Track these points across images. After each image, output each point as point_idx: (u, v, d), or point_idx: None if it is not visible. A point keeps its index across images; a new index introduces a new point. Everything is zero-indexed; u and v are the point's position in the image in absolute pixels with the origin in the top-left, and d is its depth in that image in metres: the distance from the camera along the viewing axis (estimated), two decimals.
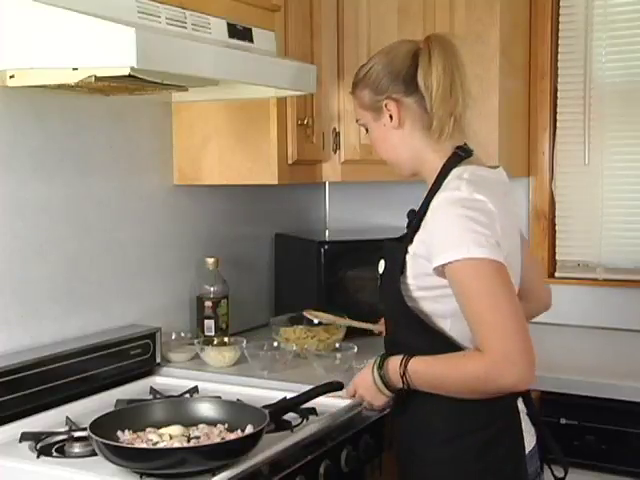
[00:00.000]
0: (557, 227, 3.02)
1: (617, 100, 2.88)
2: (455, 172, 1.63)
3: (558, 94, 2.97)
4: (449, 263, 1.52)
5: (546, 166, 2.99)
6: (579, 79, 2.92)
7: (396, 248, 1.67)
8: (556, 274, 3.01)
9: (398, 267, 1.64)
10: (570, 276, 2.97)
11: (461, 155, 1.67)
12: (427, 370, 1.61)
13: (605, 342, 2.76)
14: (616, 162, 2.90)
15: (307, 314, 2.37)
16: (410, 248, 1.63)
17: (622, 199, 2.90)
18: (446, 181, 1.62)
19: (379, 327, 2.06)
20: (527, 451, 1.66)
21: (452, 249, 1.51)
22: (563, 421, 2.27)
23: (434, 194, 1.62)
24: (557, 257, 3.03)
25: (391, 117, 1.69)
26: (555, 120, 2.98)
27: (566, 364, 2.43)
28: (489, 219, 1.54)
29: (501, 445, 1.62)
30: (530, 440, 1.68)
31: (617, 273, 2.89)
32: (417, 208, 1.67)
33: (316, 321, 2.40)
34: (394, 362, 1.63)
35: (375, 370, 1.67)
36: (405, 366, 1.60)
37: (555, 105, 2.97)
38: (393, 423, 1.81)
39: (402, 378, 1.61)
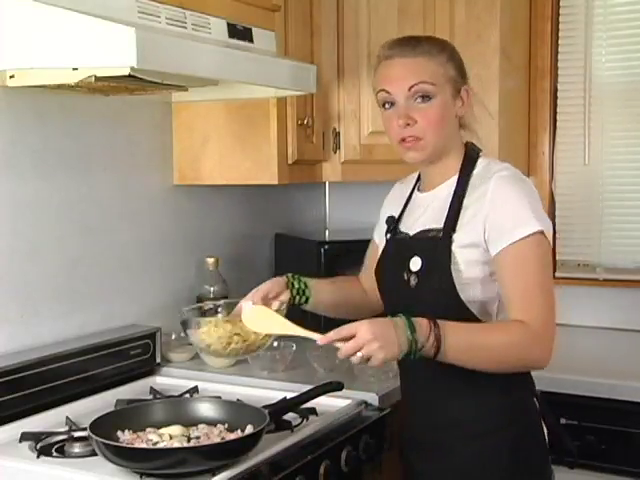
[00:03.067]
0: (557, 227, 3.01)
1: (617, 100, 2.88)
2: (483, 160, 1.73)
3: (558, 94, 2.97)
4: (524, 238, 1.57)
5: (546, 166, 2.99)
6: (579, 79, 2.92)
7: (435, 240, 1.67)
8: (556, 274, 3.01)
9: (446, 259, 1.63)
10: (570, 276, 2.97)
11: (476, 148, 1.76)
12: (466, 334, 1.55)
13: (605, 342, 2.76)
14: (616, 162, 2.90)
15: (249, 321, 1.83)
16: (456, 237, 1.64)
17: (622, 199, 2.90)
18: (480, 167, 1.70)
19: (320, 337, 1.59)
20: None
21: (535, 221, 1.58)
22: (563, 421, 2.27)
23: (467, 178, 1.69)
24: (557, 257, 3.02)
25: (461, 102, 1.72)
26: (555, 120, 2.98)
27: (566, 364, 2.43)
28: (538, 199, 1.66)
29: (528, 442, 1.66)
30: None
31: (617, 273, 2.89)
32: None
33: (263, 332, 1.82)
34: (423, 323, 1.51)
35: (403, 324, 1.50)
36: (439, 328, 1.51)
37: (555, 105, 2.98)
38: (418, 420, 1.78)
39: (436, 340, 1.49)
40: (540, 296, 1.56)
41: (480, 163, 1.71)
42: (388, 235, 1.84)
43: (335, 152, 2.67)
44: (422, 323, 1.51)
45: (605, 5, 2.87)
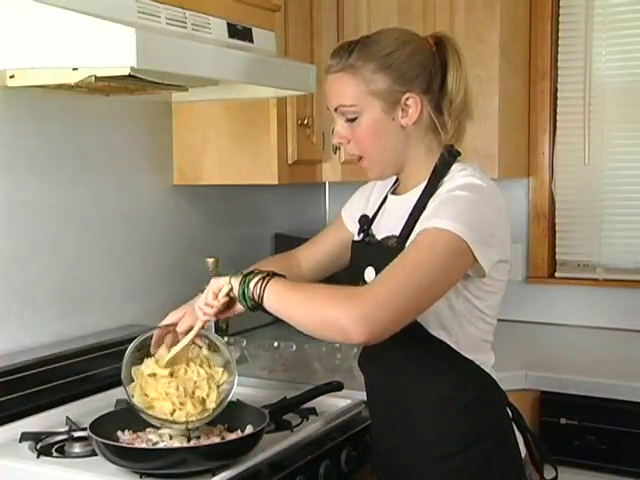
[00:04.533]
0: (557, 227, 3.01)
1: (617, 100, 2.88)
2: (457, 166, 1.57)
3: (558, 94, 2.97)
4: (428, 228, 1.42)
5: (546, 166, 2.99)
6: (579, 79, 2.92)
7: (390, 250, 1.52)
8: (556, 274, 3.01)
9: None
10: (570, 276, 2.97)
11: (453, 153, 1.60)
12: (293, 283, 1.48)
13: (605, 342, 2.76)
14: (616, 162, 2.90)
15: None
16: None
17: (622, 199, 2.90)
18: (449, 176, 1.55)
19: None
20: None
21: (450, 220, 1.41)
22: (563, 421, 2.27)
23: (432, 191, 1.54)
24: (557, 257, 3.03)
25: (404, 112, 1.54)
26: (555, 120, 2.98)
27: (566, 364, 2.43)
28: (498, 212, 1.50)
29: (502, 456, 1.59)
30: (522, 447, 1.65)
31: (617, 273, 2.89)
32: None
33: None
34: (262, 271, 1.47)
35: (238, 278, 1.47)
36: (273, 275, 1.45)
37: (555, 105, 2.98)
38: (371, 437, 1.73)
39: (262, 280, 1.43)
40: (400, 274, 1.38)
41: (453, 169, 1.56)
42: (361, 235, 1.71)
43: (335, 152, 2.67)
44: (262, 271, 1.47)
45: (605, 5, 2.87)
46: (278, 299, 1.44)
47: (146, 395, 1.58)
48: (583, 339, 2.81)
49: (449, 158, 1.59)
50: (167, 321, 1.66)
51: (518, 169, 2.93)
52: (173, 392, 1.57)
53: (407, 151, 1.59)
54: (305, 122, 2.50)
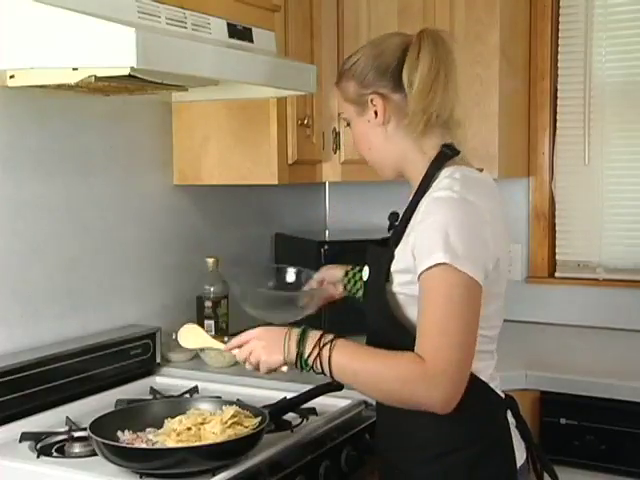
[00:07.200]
0: (557, 227, 3.02)
1: (617, 100, 2.88)
2: (445, 172, 1.55)
3: (558, 94, 2.97)
4: (433, 266, 1.43)
5: (546, 166, 2.99)
6: (579, 79, 2.92)
7: (381, 254, 1.58)
8: (556, 274, 3.02)
9: (383, 275, 1.55)
10: (570, 276, 2.97)
11: (447, 153, 1.58)
12: (352, 355, 1.48)
13: (605, 342, 2.76)
14: (616, 162, 2.90)
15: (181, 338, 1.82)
16: (396, 253, 1.55)
17: (622, 199, 2.90)
18: (436, 181, 1.55)
19: (224, 346, 1.71)
20: (518, 465, 1.61)
21: (442, 252, 1.42)
22: (563, 421, 2.27)
23: (422, 195, 1.54)
24: (557, 257, 3.03)
25: (376, 113, 1.60)
26: (555, 120, 2.98)
27: (566, 364, 2.43)
28: (482, 224, 1.48)
29: (492, 460, 1.57)
30: (521, 454, 1.63)
31: (617, 273, 2.89)
32: (401, 210, 1.61)
33: (190, 347, 1.88)
34: (315, 333, 1.50)
35: (296, 333, 1.51)
36: (328, 340, 1.48)
37: (555, 105, 2.98)
38: (373, 436, 1.73)
39: (319, 354, 1.47)
40: (439, 335, 1.41)
41: (443, 173, 1.55)
42: (390, 232, 1.72)
43: (335, 152, 2.68)
44: (313, 337, 1.50)
45: (605, 5, 2.87)
46: (343, 378, 1.51)
47: None
48: (583, 339, 2.81)
49: (441, 159, 1.58)
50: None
51: (518, 169, 2.93)
52: None
53: (397, 151, 1.63)
54: (305, 122, 2.50)
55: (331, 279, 1.96)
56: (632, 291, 2.84)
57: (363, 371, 1.47)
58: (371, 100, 1.60)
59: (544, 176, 3.00)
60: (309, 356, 1.48)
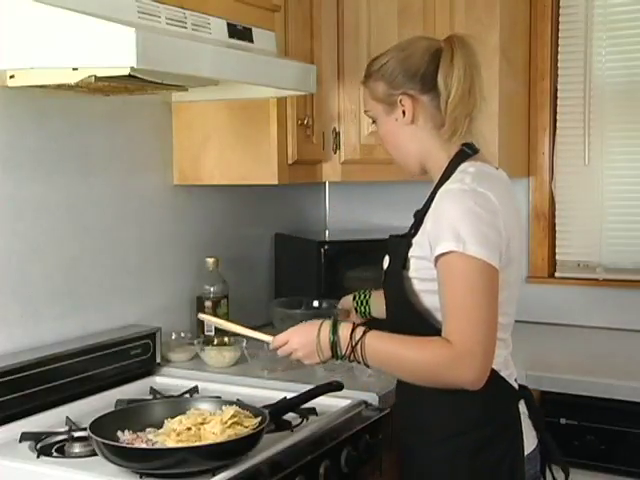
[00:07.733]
0: (557, 227, 3.02)
1: (617, 100, 2.88)
2: (462, 167, 1.65)
3: (558, 94, 2.97)
4: (444, 254, 1.52)
5: (546, 166, 2.99)
6: (579, 79, 2.92)
7: (400, 243, 1.68)
8: (556, 274, 3.02)
9: (401, 262, 1.65)
10: (570, 276, 2.98)
11: (468, 152, 1.68)
12: (385, 346, 1.61)
13: (605, 342, 2.76)
14: (616, 162, 2.90)
15: (202, 316, 2.14)
16: (414, 241, 1.64)
17: (622, 199, 2.90)
18: (453, 176, 1.63)
19: (271, 338, 1.80)
20: (526, 453, 1.66)
21: (451, 240, 1.51)
22: (563, 421, 2.27)
23: (439, 188, 1.63)
24: (557, 257, 3.03)
25: (404, 113, 1.69)
26: (555, 120, 2.98)
27: (566, 364, 2.43)
28: (492, 213, 1.55)
29: (497, 445, 1.62)
30: (530, 443, 1.69)
31: (617, 273, 2.89)
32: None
33: (212, 321, 2.17)
34: (346, 330, 1.63)
35: (328, 331, 1.64)
36: (359, 337, 1.60)
37: (555, 105, 2.98)
38: (394, 422, 1.81)
39: (353, 350, 1.61)
40: (461, 318, 1.52)
41: (460, 168, 1.65)
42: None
43: (335, 152, 2.68)
44: (345, 329, 1.63)
45: (605, 5, 2.87)
46: (379, 367, 1.67)
47: None
48: (583, 339, 2.81)
49: (462, 156, 1.67)
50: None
51: (518, 169, 2.93)
52: None
53: (421, 149, 1.71)
54: (305, 122, 2.50)
55: (346, 306, 2.10)
56: (632, 291, 2.84)
57: (397, 361, 1.60)
58: (400, 100, 1.69)
59: (544, 176, 3.00)
60: (344, 356, 1.63)
